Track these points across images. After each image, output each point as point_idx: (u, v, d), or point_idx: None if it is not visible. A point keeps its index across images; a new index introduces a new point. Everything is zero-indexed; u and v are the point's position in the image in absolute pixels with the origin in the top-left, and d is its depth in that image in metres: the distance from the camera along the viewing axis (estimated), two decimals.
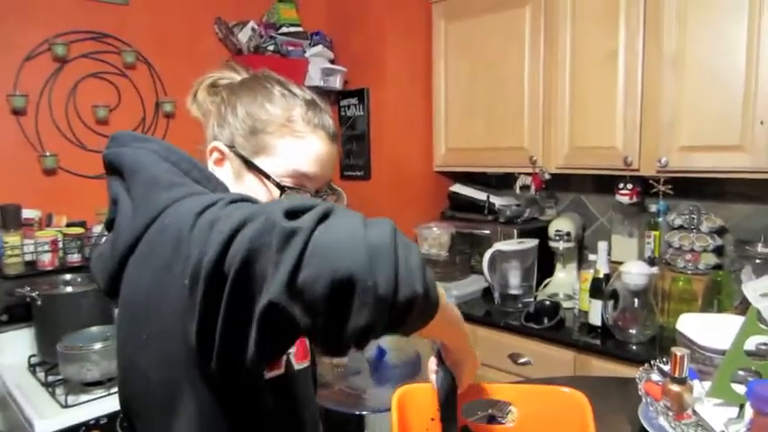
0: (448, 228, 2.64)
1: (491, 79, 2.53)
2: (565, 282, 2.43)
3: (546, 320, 2.16)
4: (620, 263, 2.04)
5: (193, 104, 0.91)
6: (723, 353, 0.96)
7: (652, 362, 1.17)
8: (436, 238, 2.61)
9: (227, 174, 0.83)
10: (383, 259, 0.50)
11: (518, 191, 2.55)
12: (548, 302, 2.23)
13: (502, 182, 2.83)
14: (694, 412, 0.95)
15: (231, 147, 0.82)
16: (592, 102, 2.21)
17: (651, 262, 2.16)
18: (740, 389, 0.91)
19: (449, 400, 0.81)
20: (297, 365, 0.84)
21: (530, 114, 2.40)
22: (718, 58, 1.88)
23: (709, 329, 1.15)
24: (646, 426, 1.01)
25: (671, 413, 0.98)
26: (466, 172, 2.80)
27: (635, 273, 1.92)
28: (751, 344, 0.90)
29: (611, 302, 2.00)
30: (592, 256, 2.21)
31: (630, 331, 1.95)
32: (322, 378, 1.38)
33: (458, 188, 2.79)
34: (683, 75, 1.95)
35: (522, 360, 2.16)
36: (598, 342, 2.00)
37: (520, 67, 2.42)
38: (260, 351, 0.54)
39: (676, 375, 0.97)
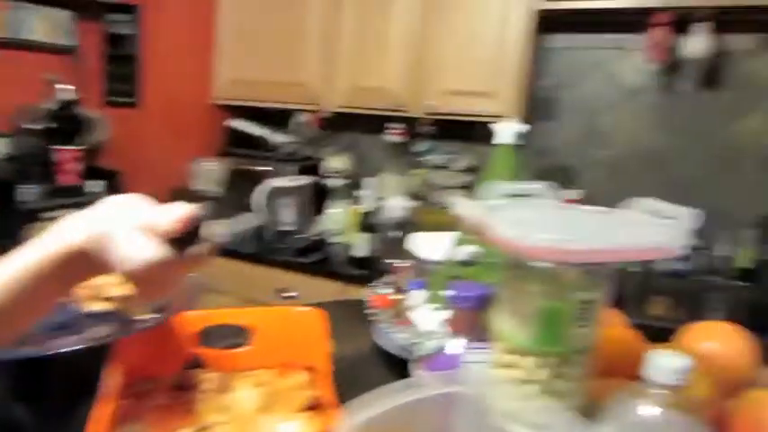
0: (224, 163, 2.54)
1: (279, 8, 2.44)
2: (337, 218, 2.50)
3: (313, 255, 2.20)
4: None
5: None
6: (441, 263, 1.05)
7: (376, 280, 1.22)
8: (210, 173, 2.50)
9: None
10: None
11: (293, 127, 2.54)
12: (316, 238, 2.28)
13: (282, 119, 2.78)
14: (412, 318, 1.04)
15: None
16: (370, 43, 2.25)
17: (414, 197, 2.32)
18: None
19: None
20: None
21: (315, 51, 2.38)
22: (475, 13, 2.06)
23: (436, 246, 1.24)
24: (377, 341, 1.06)
25: (394, 320, 1.05)
26: (246, 107, 2.70)
27: (395, 207, 2.05)
28: (464, 254, 0.99)
29: (374, 235, 2.11)
30: (364, 194, 2.30)
31: (391, 261, 2.07)
32: None
33: (236, 123, 2.67)
34: (453, 23, 2.10)
35: (286, 294, 2.17)
36: (364, 272, 2.10)
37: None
38: None
39: (398, 285, 1.04)
